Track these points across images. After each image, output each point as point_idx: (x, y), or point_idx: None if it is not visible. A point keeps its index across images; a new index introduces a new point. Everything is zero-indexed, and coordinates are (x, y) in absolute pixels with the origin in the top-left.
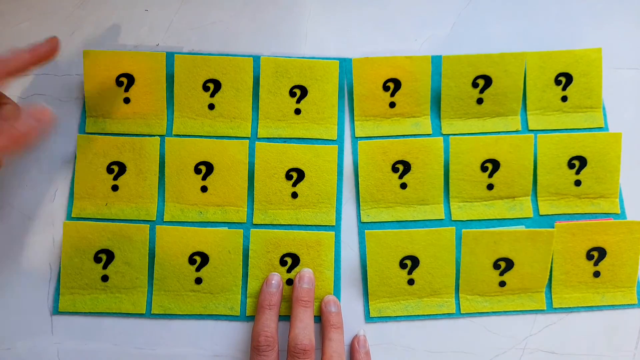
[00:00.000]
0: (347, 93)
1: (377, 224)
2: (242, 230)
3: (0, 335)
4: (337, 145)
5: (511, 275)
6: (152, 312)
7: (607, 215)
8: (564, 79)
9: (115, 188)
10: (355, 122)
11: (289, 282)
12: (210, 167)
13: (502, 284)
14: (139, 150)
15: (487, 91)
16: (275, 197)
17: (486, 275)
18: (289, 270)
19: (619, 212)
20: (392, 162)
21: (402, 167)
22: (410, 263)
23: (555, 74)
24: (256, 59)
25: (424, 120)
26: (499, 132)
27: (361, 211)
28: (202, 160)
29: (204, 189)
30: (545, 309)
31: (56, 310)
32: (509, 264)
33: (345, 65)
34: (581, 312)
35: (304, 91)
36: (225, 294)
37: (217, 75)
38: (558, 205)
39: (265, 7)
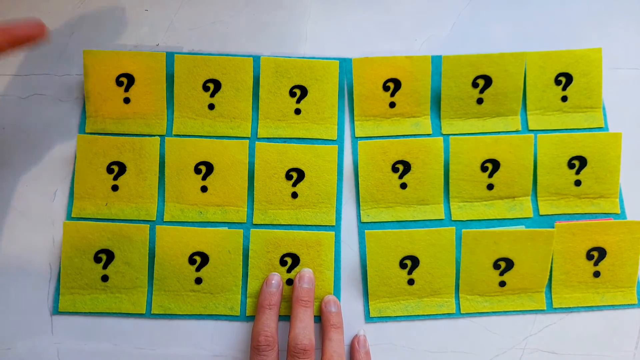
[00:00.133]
0: (347, 93)
1: (377, 224)
2: (242, 230)
3: (0, 335)
4: (337, 145)
5: (511, 275)
6: (152, 312)
7: (607, 215)
8: (564, 79)
9: (115, 188)
10: (355, 122)
11: (289, 282)
12: (210, 167)
13: (502, 284)
14: (139, 150)
15: (487, 91)
16: (275, 197)
17: (486, 275)
18: (289, 270)
19: (619, 212)
20: (392, 162)
21: (402, 167)
22: (410, 263)
23: (555, 74)
24: (256, 59)
25: (424, 120)
26: (499, 132)
27: (361, 211)
28: (202, 160)
29: (204, 189)
30: (545, 309)
31: (56, 310)
32: (509, 264)
33: (345, 65)
34: (581, 312)
35: (304, 91)
36: (225, 294)
37: (217, 75)
38: (558, 205)
39: (265, 7)
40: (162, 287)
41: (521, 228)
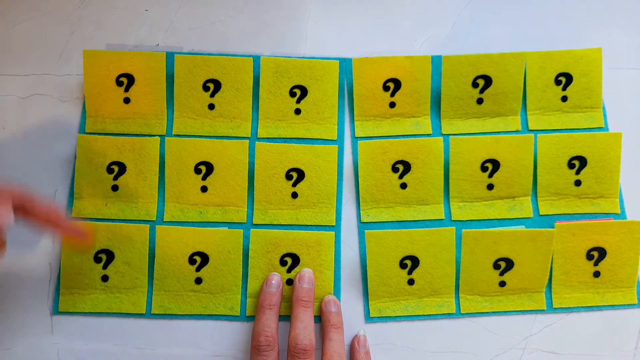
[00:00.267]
0: (347, 93)
1: (377, 224)
2: (242, 230)
3: (0, 335)
4: (337, 145)
5: (511, 275)
6: (152, 312)
7: (607, 215)
8: (564, 79)
9: (115, 188)
10: (355, 122)
11: (289, 282)
12: (210, 167)
13: (502, 284)
14: (139, 150)
15: (487, 91)
16: (275, 197)
17: (486, 275)
18: (289, 270)
19: (619, 212)
20: (392, 162)
21: (402, 167)
22: (410, 263)
23: (555, 74)
24: (256, 59)
25: (424, 120)
26: (499, 132)
27: (361, 211)
28: (202, 160)
29: (204, 189)
30: (545, 309)
31: (56, 310)
32: (509, 264)
33: (345, 65)
34: (581, 312)
35: (304, 91)
36: (225, 294)
37: (217, 75)
38: (558, 205)
39: (265, 7)
40: (162, 287)
41: (521, 228)
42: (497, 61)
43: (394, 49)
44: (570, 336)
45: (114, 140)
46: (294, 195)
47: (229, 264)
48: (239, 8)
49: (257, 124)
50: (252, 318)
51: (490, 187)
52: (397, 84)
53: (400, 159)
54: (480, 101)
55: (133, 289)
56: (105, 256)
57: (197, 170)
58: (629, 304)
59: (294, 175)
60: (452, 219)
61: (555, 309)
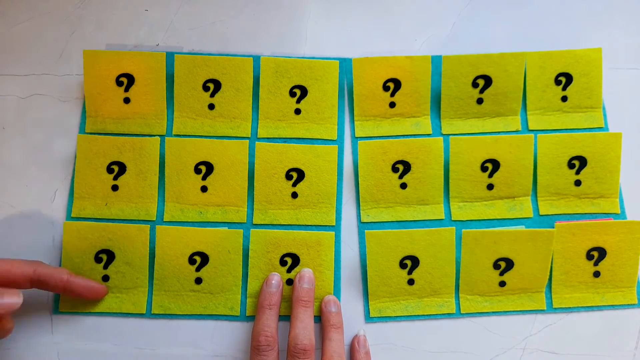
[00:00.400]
0: (347, 93)
1: (377, 224)
2: (242, 230)
3: None
4: (337, 145)
5: (511, 275)
6: (152, 312)
7: (607, 215)
8: (564, 79)
9: (115, 188)
10: (355, 122)
11: (289, 282)
12: (210, 167)
13: (502, 284)
14: (139, 150)
15: (487, 91)
16: (275, 197)
17: (486, 275)
18: (289, 270)
19: (619, 212)
20: (392, 162)
21: (402, 167)
22: (410, 263)
23: (555, 74)
24: (256, 59)
25: (424, 120)
26: (499, 132)
27: (361, 211)
28: (202, 160)
29: (204, 189)
30: (545, 309)
31: (56, 310)
32: (509, 264)
33: (345, 65)
34: (581, 312)
35: (304, 91)
36: (225, 294)
37: (217, 75)
38: (558, 205)
39: (265, 7)
40: (162, 287)
41: (521, 228)
42: (497, 61)
43: (394, 49)
44: (570, 336)
45: (114, 140)
46: (294, 195)
47: (229, 264)
48: (239, 8)
49: (257, 124)
50: (252, 318)
51: (490, 187)
52: (397, 84)
53: (400, 159)
54: (480, 101)
55: (133, 289)
56: (106, 256)
57: (197, 170)
58: (629, 304)
59: (294, 175)
60: (452, 219)
61: (555, 309)
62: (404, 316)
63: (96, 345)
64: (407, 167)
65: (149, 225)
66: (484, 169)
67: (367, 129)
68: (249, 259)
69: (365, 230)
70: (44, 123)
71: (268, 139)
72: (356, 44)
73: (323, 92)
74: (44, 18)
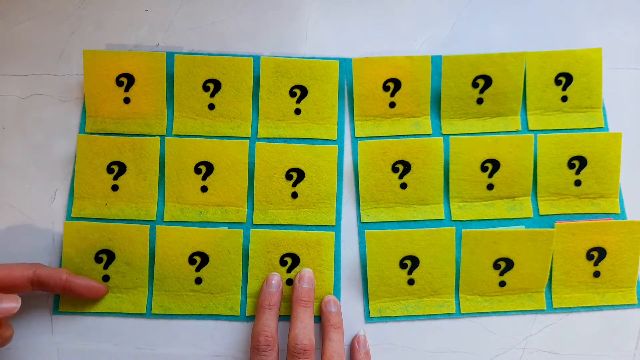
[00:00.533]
0: (347, 93)
1: (377, 224)
2: (242, 230)
3: None
4: (337, 145)
5: (511, 275)
6: (152, 312)
7: (607, 215)
8: (564, 79)
9: (115, 188)
10: (355, 122)
11: (289, 282)
12: (210, 167)
13: (502, 284)
14: (139, 150)
15: (487, 91)
16: (275, 197)
17: (486, 275)
18: (289, 270)
19: (619, 212)
20: (392, 162)
21: (402, 167)
22: (410, 263)
23: (555, 74)
24: (256, 59)
25: (424, 120)
26: (499, 132)
27: (361, 211)
28: (202, 160)
29: (204, 189)
30: (545, 309)
31: (56, 310)
32: (509, 264)
33: (345, 65)
34: (581, 312)
35: (304, 91)
36: (225, 294)
37: (217, 75)
38: (558, 205)
39: (265, 7)
40: (162, 287)
41: (521, 228)
42: (497, 61)
43: (394, 49)
44: (570, 336)
45: (114, 140)
46: (294, 195)
47: (229, 264)
48: (239, 8)
49: (257, 124)
50: (252, 318)
51: (490, 187)
52: (397, 84)
53: (400, 159)
54: (480, 101)
55: (133, 288)
56: (106, 256)
57: (197, 170)
58: (629, 304)
59: (294, 175)
60: (452, 219)
61: (555, 309)
62: (404, 316)
63: (96, 345)
64: (407, 167)
65: (148, 226)
66: (484, 169)
67: (367, 129)
68: (249, 259)
69: (365, 230)
70: (44, 123)
71: (268, 139)
72: (356, 44)
73: (323, 92)
74: (44, 18)
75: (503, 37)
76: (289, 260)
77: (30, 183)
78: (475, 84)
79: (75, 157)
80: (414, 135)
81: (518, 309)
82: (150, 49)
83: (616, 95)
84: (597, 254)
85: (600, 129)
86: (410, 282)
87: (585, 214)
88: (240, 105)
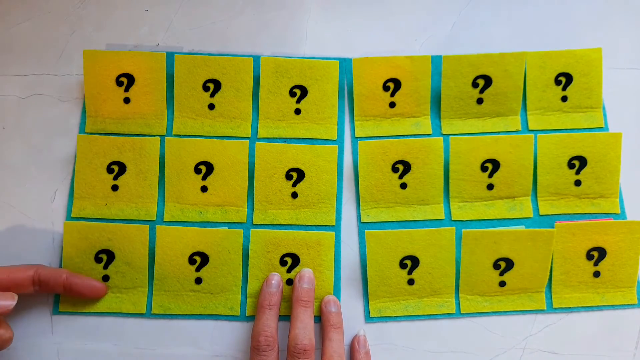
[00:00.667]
0: (347, 93)
1: (377, 224)
2: (242, 230)
3: None
4: (337, 145)
5: (511, 275)
6: (152, 312)
7: (607, 215)
8: (564, 79)
9: (115, 188)
10: (355, 122)
11: (289, 282)
12: (210, 167)
13: (502, 284)
14: (139, 150)
15: (487, 91)
16: (275, 197)
17: (486, 275)
18: (289, 270)
19: (619, 212)
20: (392, 162)
21: (402, 167)
22: (410, 263)
23: (555, 74)
24: (256, 59)
25: (424, 120)
26: (499, 132)
27: (361, 211)
28: (202, 160)
29: (204, 189)
30: (545, 309)
31: (56, 310)
32: (509, 264)
33: (345, 65)
34: (581, 312)
35: (304, 91)
36: (225, 294)
37: (217, 75)
38: (558, 205)
39: (265, 7)
40: (162, 287)
41: (521, 228)
42: (497, 61)
43: (394, 49)
44: (570, 336)
45: (114, 140)
46: (294, 195)
47: (229, 264)
48: (239, 8)
49: (257, 124)
50: (252, 318)
51: (490, 187)
52: (397, 84)
53: (400, 159)
54: (480, 101)
55: (133, 288)
56: (106, 256)
57: (197, 170)
58: (629, 304)
59: (294, 175)
60: (452, 219)
61: (555, 309)
62: (404, 316)
63: (96, 345)
64: (407, 167)
65: (148, 225)
66: (484, 169)
67: (367, 129)
68: (249, 259)
69: (365, 230)
70: (44, 123)
71: (268, 139)
72: (356, 44)
73: (323, 92)
74: (44, 18)
75: (503, 37)
76: (289, 260)
77: (30, 183)
78: (475, 84)
79: (75, 157)
80: (414, 135)
81: (518, 309)
82: (150, 49)
83: (616, 95)
84: (597, 254)
85: (600, 129)
86: (410, 282)
87: (585, 214)
88: (240, 105)
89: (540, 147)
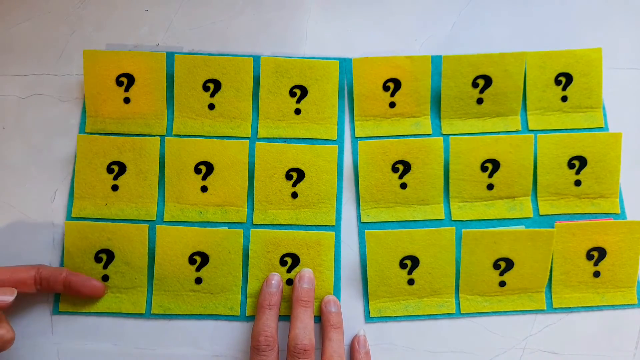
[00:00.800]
0: (347, 93)
1: (377, 224)
2: (242, 230)
3: None
4: (337, 145)
5: (511, 275)
6: (152, 312)
7: (607, 215)
8: (564, 79)
9: (115, 188)
10: (355, 122)
11: (289, 282)
12: (210, 167)
13: (502, 284)
14: (139, 150)
15: (487, 91)
16: (275, 197)
17: (486, 275)
18: (289, 270)
19: (619, 212)
20: (392, 162)
21: (402, 167)
22: (410, 263)
23: (555, 74)
24: (256, 59)
25: (424, 120)
26: (499, 132)
27: (361, 211)
28: (202, 160)
29: (204, 189)
30: (545, 309)
31: (56, 310)
32: (509, 264)
33: (345, 65)
34: (581, 312)
35: (304, 91)
36: (225, 294)
37: (217, 75)
38: (558, 205)
39: (265, 7)
40: (162, 287)
41: (521, 228)
42: (497, 61)
43: (394, 49)
44: (570, 336)
45: (114, 140)
46: (294, 195)
47: (229, 264)
48: (239, 8)
49: (257, 124)
50: (252, 318)
51: (490, 187)
52: (397, 84)
53: (400, 159)
54: (480, 101)
55: (133, 288)
56: (106, 256)
57: (197, 170)
58: (629, 304)
59: (294, 175)
60: (452, 219)
61: (555, 309)
62: (404, 316)
63: (96, 345)
64: (407, 167)
65: (147, 225)
66: (484, 169)
67: (367, 129)
68: (249, 259)
69: (365, 230)
70: (44, 123)
71: (268, 139)
72: (356, 44)
73: (323, 92)
74: (44, 18)
75: (503, 37)
76: (289, 261)
77: (30, 183)
78: (475, 84)
79: (75, 157)
80: (414, 135)
81: (518, 309)
82: (150, 49)
83: (616, 95)
84: (597, 254)
85: (600, 129)
86: (410, 282)
87: (585, 214)
88: (240, 105)
89: (540, 147)
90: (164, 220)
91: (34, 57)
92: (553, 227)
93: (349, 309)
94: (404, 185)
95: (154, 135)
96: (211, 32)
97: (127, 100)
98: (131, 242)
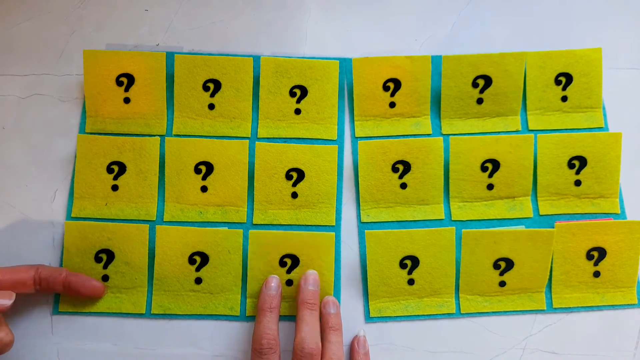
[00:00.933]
0: (347, 93)
1: (377, 224)
2: (242, 230)
3: None
4: (337, 145)
5: (511, 275)
6: (152, 312)
7: (607, 215)
8: (564, 79)
9: (115, 188)
10: (355, 122)
11: (289, 282)
12: (210, 167)
13: (502, 284)
14: (139, 150)
15: (487, 91)
16: (275, 197)
17: (486, 275)
18: (288, 271)
19: (619, 212)
20: (392, 162)
21: (402, 167)
22: (410, 263)
23: (555, 74)
24: (256, 59)
25: (424, 120)
26: (499, 132)
27: (361, 211)
28: (202, 160)
29: (204, 189)
30: (545, 309)
31: (56, 310)
32: (509, 264)
33: (345, 65)
34: (581, 312)
35: (304, 91)
36: (225, 294)
37: (217, 75)
38: (558, 205)
39: (265, 7)
40: (162, 287)
41: (521, 228)
42: (497, 61)
43: (394, 49)
44: (570, 336)
45: (114, 140)
46: (294, 195)
47: (228, 264)
48: (239, 8)
49: (257, 124)
50: (252, 318)
51: (490, 187)
52: (397, 84)
53: (400, 159)
54: (480, 101)
55: (133, 288)
56: (106, 256)
57: (197, 170)
58: (629, 304)
59: (294, 175)
60: (452, 219)
61: (555, 309)
62: (404, 316)
63: (96, 345)
64: (407, 167)
65: (147, 225)
66: (484, 169)
67: (367, 129)
68: (249, 260)
69: (365, 230)
70: (44, 123)
71: (268, 139)
72: (356, 44)
73: (323, 92)
74: (44, 18)
75: (503, 37)
76: (289, 261)
77: (30, 183)
78: (475, 84)
79: (75, 157)
80: (414, 135)
81: (518, 309)
82: (150, 49)
83: (616, 95)
84: (597, 254)
85: (600, 129)
86: (410, 282)
87: (585, 214)
88: (240, 105)
89: (540, 147)
90: (164, 220)
91: (34, 57)
92: (553, 227)
93: (349, 309)
94: (404, 185)
95: (154, 135)
96: (211, 32)
97: (127, 100)
98: (131, 242)
